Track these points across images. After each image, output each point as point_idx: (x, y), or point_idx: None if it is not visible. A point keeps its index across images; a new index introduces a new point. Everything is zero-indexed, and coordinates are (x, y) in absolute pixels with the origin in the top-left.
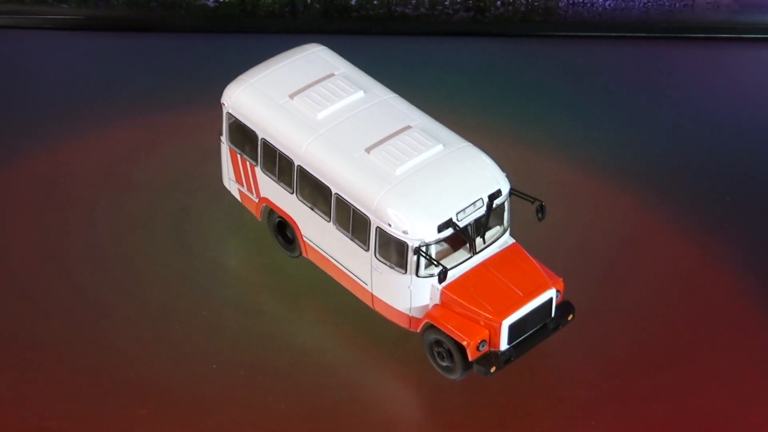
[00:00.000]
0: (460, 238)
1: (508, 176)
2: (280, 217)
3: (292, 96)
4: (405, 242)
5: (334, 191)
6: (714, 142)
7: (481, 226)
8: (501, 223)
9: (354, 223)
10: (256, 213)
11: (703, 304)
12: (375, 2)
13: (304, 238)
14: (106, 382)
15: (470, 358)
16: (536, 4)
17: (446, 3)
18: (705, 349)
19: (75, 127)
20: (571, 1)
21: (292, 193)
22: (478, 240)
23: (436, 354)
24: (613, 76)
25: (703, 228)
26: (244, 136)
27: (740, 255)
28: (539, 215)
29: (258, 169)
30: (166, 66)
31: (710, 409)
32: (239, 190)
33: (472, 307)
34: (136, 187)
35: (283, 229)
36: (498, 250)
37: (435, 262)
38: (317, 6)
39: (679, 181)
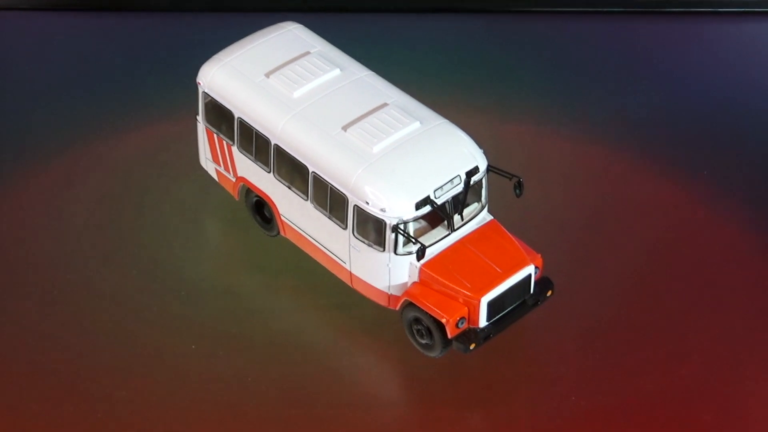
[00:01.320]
0: (438, 215)
1: (485, 153)
2: (257, 196)
3: (268, 75)
4: (383, 220)
5: (311, 170)
6: (691, 115)
7: (458, 203)
8: (479, 199)
9: (331, 201)
10: (234, 192)
11: (683, 278)
12: None
13: (282, 217)
14: (84, 364)
15: (449, 336)
16: None
17: None
18: (686, 323)
19: (46, 106)
20: None
21: (269, 172)
22: (456, 217)
23: (415, 332)
24: (591, 51)
25: (681, 202)
26: (220, 116)
27: (720, 226)
28: (517, 191)
29: (235, 149)
30: (140, 45)
31: (691, 383)
32: (216, 169)
33: (451, 285)
34: (110, 167)
35: (261, 209)
36: (476, 226)
37: (413, 240)
38: None
39: (656, 155)
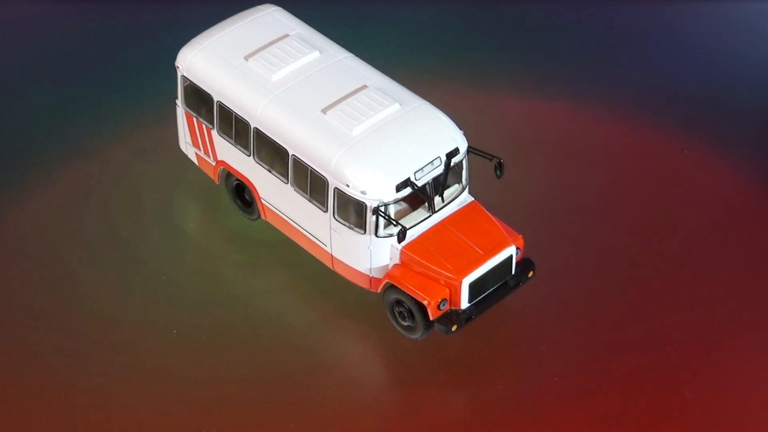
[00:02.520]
0: (419, 197)
1: (465, 134)
2: (237, 180)
3: (247, 58)
4: (363, 202)
5: (291, 153)
6: (674, 97)
7: (439, 184)
8: (459, 181)
9: (312, 184)
10: (214, 176)
11: (664, 258)
12: None
13: (263, 201)
14: (64, 350)
15: (431, 317)
16: None
17: None
18: (667, 302)
19: (26, 92)
20: None
21: (249, 155)
22: (437, 199)
23: (397, 314)
24: (570, 32)
25: (661, 182)
26: (199, 100)
27: (702, 205)
28: (498, 172)
29: (214, 132)
30: (119, 29)
31: (672, 361)
32: (196, 153)
33: (432, 266)
34: (86, 152)
35: (242, 192)
36: (457, 208)
37: (394, 222)
38: None
39: (639, 133)
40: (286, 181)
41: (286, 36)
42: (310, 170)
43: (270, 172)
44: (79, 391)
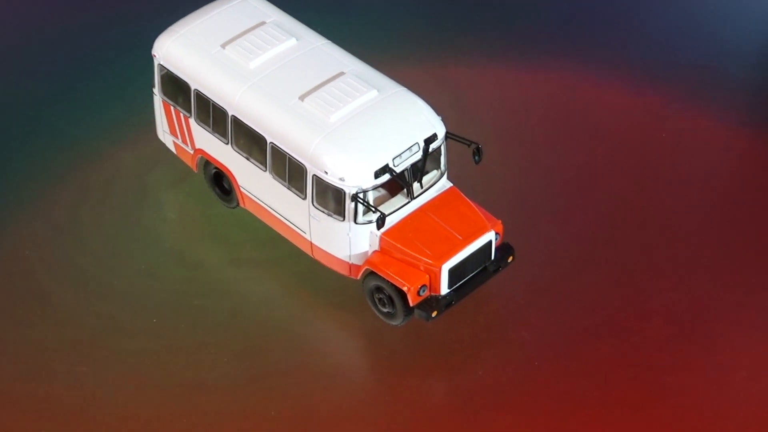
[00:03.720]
0: (398, 183)
1: (443, 120)
2: (216, 168)
3: (223, 45)
4: (342, 189)
5: (269, 140)
6: (642, 81)
7: (417, 170)
8: (438, 167)
9: (290, 171)
10: (192, 165)
11: (644, 242)
12: None
13: (241, 189)
14: (45, 338)
15: (411, 304)
16: None
17: None
18: (648, 285)
19: (2, 81)
20: None
21: (227, 143)
22: (416, 185)
23: (377, 300)
24: (549, 15)
25: (641, 163)
26: (176, 88)
27: (680, 186)
28: (476, 158)
29: (192, 121)
30: (94, 17)
31: (652, 346)
32: (174, 142)
33: (412, 252)
34: (64, 142)
35: (220, 180)
36: (436, 194)
37: (373, 209)
38: None
39: (615, 117)
40: (264, 168)
41: (262, 23)
42: (289, 158)
43: (248, 159)
44: (58, 380)
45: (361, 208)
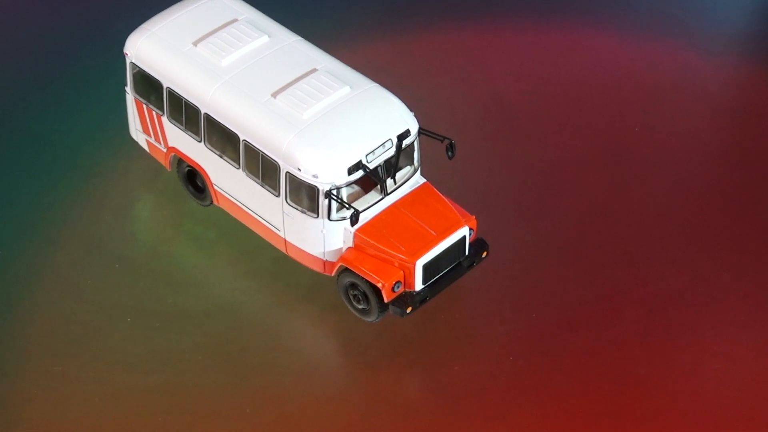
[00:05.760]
0: (371, 180)
1: (416, 115)
2: (189, 166)
3: (195, 43)
4: (315, 186)
5: (241, 138)
6: (623, 72)
7: (391, 167)
8: (411, 163)
9: (263, 169)
10: (165, 163)
11: (618, 236)
12: None
13: (215, 187)
14: (19, 338)
15: (386, 300)
16: None
17: None
18: (621, 280)
19: None
20: None
21: (200, 141)
22: (389, 181)
23: (351, 297)
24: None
25: (614, 156)
26: (149, 86)
27: (656, 180)
28: (449, 153)
29: (165, 119)
30: (65, 15)
31: (626, 340)
32: (147, 140)
33: (386, 249)
34: (37, 140)
35: (193, 178)
36: (409, 190)
37: (347, 205)
38: None
39: (591, 107)
40: (237, 166)
41: (234, 21)
42: (262, 155)
43: (221, 157)
44: (29, 381)
45: (334, 204)
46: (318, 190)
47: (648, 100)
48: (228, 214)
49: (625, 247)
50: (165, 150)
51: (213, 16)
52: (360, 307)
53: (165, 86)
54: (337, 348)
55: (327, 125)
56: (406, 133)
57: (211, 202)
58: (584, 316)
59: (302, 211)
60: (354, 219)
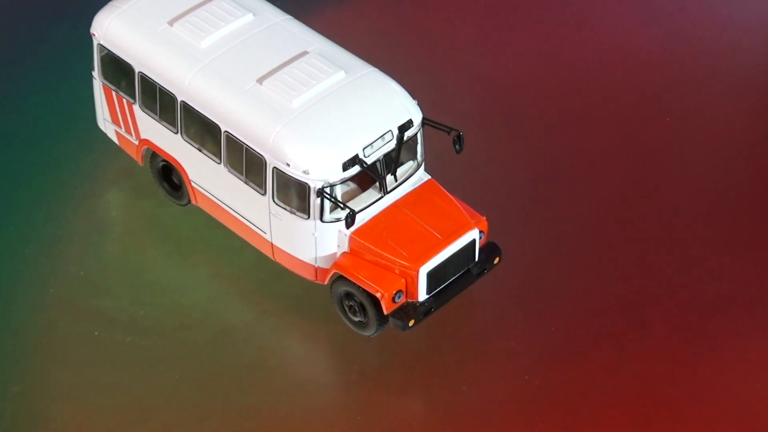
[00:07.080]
0: (369, 176)
1: (420, 104)
2: (164, 160)
3: (171, 22)
4: (306, 183)
5: (223, 129)
6: (644, 58)
7: (391, 161)
8: (414, 157)
9: (247, 164)
10: (137, 157)
11: (644, 236)
12: None
13: (193, 184)
14: None
15: (385, 311)
16: None
17: None
18: (647, 289)
19: None
20: None
21: (177, 132)
22: (389, 178)
23: (347, 308)
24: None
25: (637, 150)
26: (118, 71)
27: (676, 185)
28: (457, 146)
29: (136, 108)
30: None
31: (654, 355)
32: (116, 131)
33: (385, 254)
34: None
35: (169, 174)
36: (412, 188)
37: (341, 205)
38: None
39: (607, 104)
40: (218, 160)
41: None
42: (246, 148)
43: (200, 151)
44: None
45: (327, 204)
46: (309, 187)
47: (675, 89)
48: (208, 215)
49: (652, 250)
50: (137, 142)
51: None
52: (356, 319)
53: (137, 71)
54: (330, 365)
55: (319, 115)
56: (409, 124)
57: (189, 202)
58: (607, 329)
59: (291, 212)
60: (350, 220)
